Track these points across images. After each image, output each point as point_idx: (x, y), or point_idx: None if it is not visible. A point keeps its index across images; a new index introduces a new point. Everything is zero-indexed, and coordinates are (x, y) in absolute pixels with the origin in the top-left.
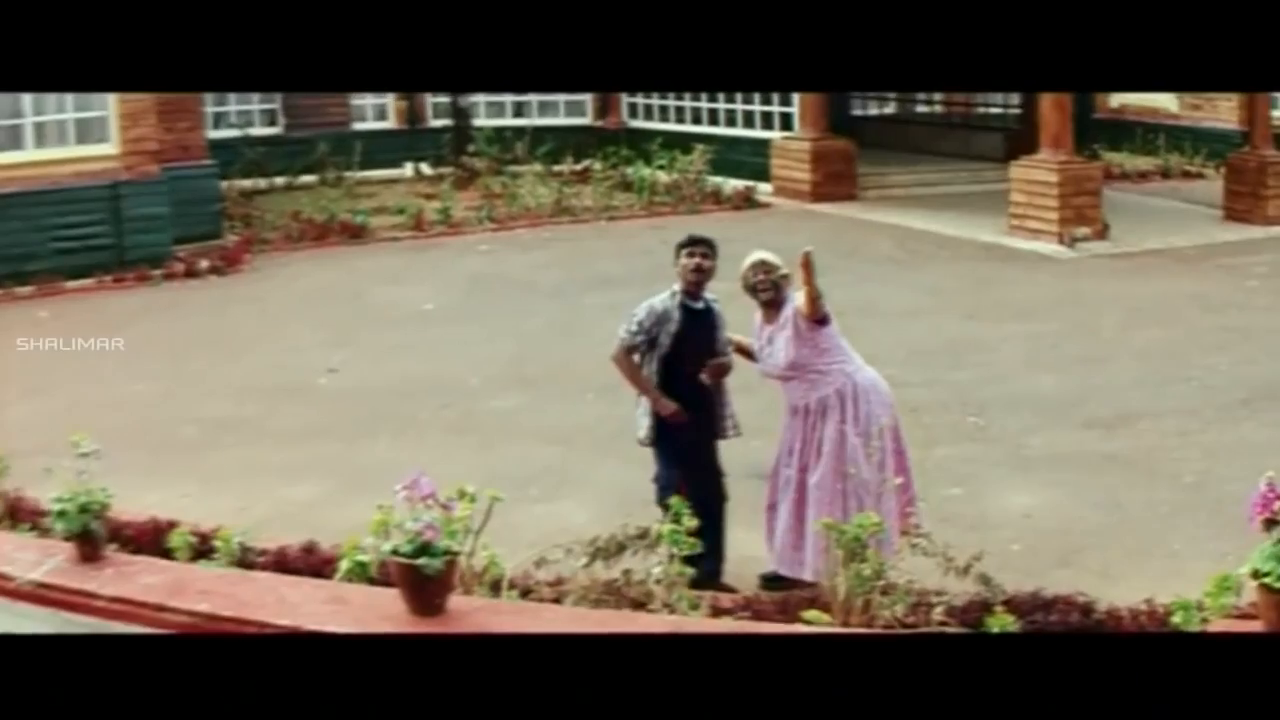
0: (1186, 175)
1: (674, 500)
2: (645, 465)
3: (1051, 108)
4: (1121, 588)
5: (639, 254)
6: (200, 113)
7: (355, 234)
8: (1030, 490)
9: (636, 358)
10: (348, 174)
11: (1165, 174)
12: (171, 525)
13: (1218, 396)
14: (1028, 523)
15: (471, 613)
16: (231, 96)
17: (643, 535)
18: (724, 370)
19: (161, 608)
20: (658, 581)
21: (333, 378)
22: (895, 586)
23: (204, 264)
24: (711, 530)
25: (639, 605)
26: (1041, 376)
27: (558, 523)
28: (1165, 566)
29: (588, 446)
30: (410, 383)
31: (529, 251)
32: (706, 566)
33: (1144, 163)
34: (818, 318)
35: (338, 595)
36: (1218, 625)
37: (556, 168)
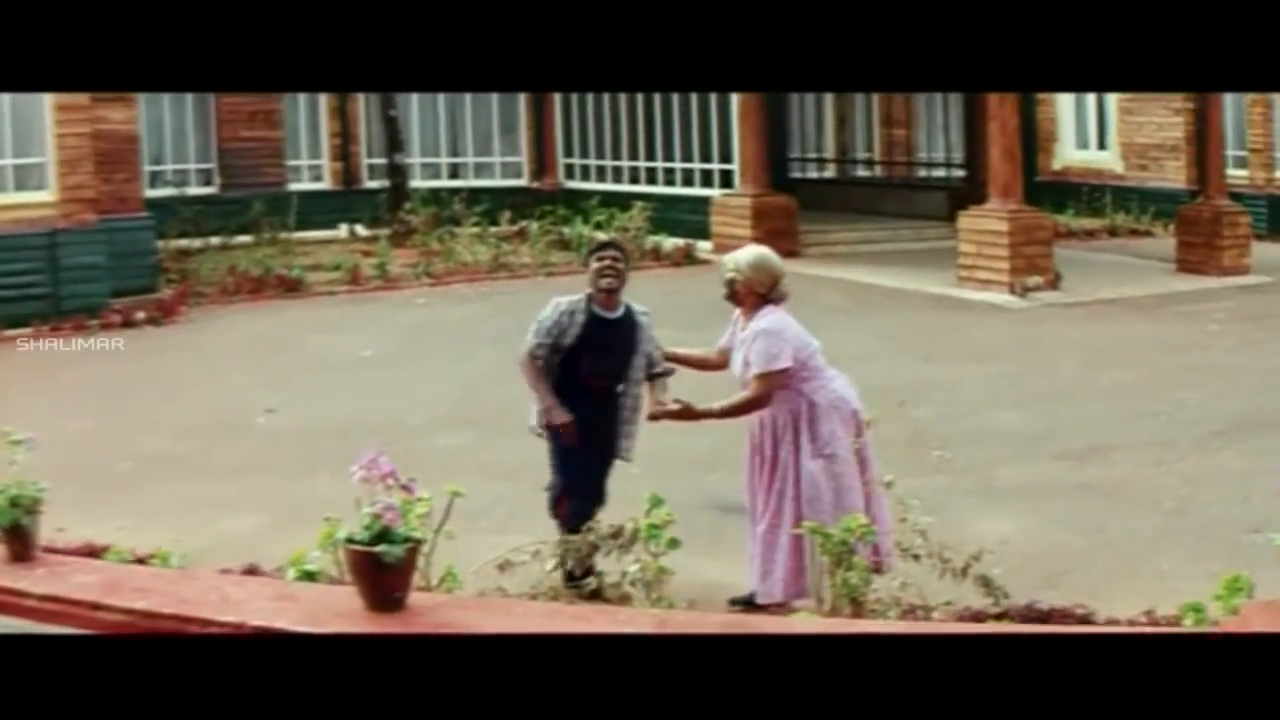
0: (1134, 233)
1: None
2: None
3: (1001, 157)
4: (1114, 606)
5: None
6: (138, 165)
7: (291, 288)
8: (1005, 517)
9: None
10: (283, 234)
11: (1112, 232)
12: (106, 549)
13: (1191, 429)
14: (1007, 547)
15: (434, 608)
16: (168, 155)
17: (616, 534)
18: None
19: (96, 605)
20: (633, 583)
21: (271, 417)
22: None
23: (140, 315)
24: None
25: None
26: (1005, 413)
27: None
28: (1156, 586)
29: (535, 481)
30: (350, 422)
31: (468, 304)
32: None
33: (1090, 223)
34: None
35: (286, 593)
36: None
37: (493, 228)
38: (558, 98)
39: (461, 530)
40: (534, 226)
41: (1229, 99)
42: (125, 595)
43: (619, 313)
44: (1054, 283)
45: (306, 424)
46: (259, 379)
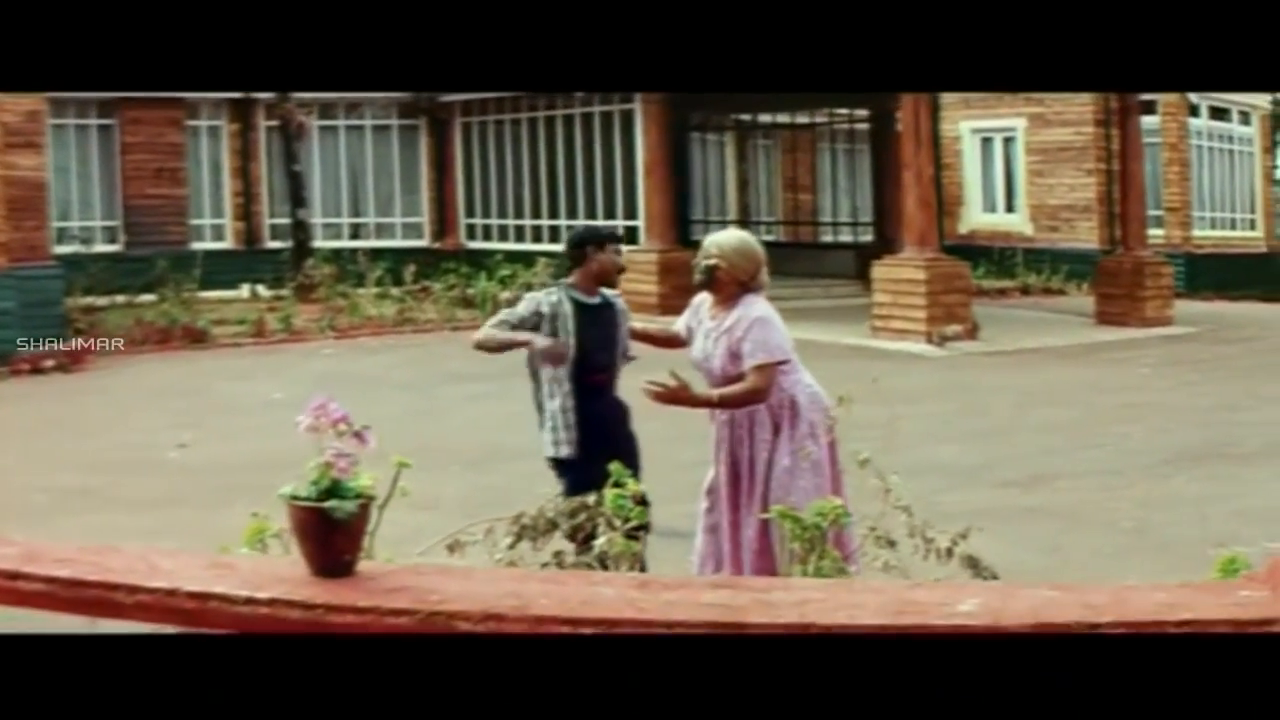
0: (1048, 292)
1: (614, 466)
2: None
3: (916, 205)
4: None
5: (488, 357)
6: (47, 213)
7: (197, 338)
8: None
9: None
10: (187, 293)
11: (1025, 291)
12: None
13: (1138, 459)
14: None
15: (387, 574)
16: (74, 212)
17: (580, 509)
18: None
19: (15, 575)
20: (601, 556)
21: (184, 453)
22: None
23: (50, 363)
24: None
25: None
26: (941, 447)
27: None
28: None
29: (458, 511)
30: (264, 457)
31: (375, 355)
32: None
33: (1002, 282)
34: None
35: (220, 562)
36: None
37: (396, 288)
38: (459, 158)
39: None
40: (437, 285)
41: (1146, 157)
42: (46, 565)
43: (598, 299)
44: (973, 332)
45: (220, 460)
46: (170, 420)
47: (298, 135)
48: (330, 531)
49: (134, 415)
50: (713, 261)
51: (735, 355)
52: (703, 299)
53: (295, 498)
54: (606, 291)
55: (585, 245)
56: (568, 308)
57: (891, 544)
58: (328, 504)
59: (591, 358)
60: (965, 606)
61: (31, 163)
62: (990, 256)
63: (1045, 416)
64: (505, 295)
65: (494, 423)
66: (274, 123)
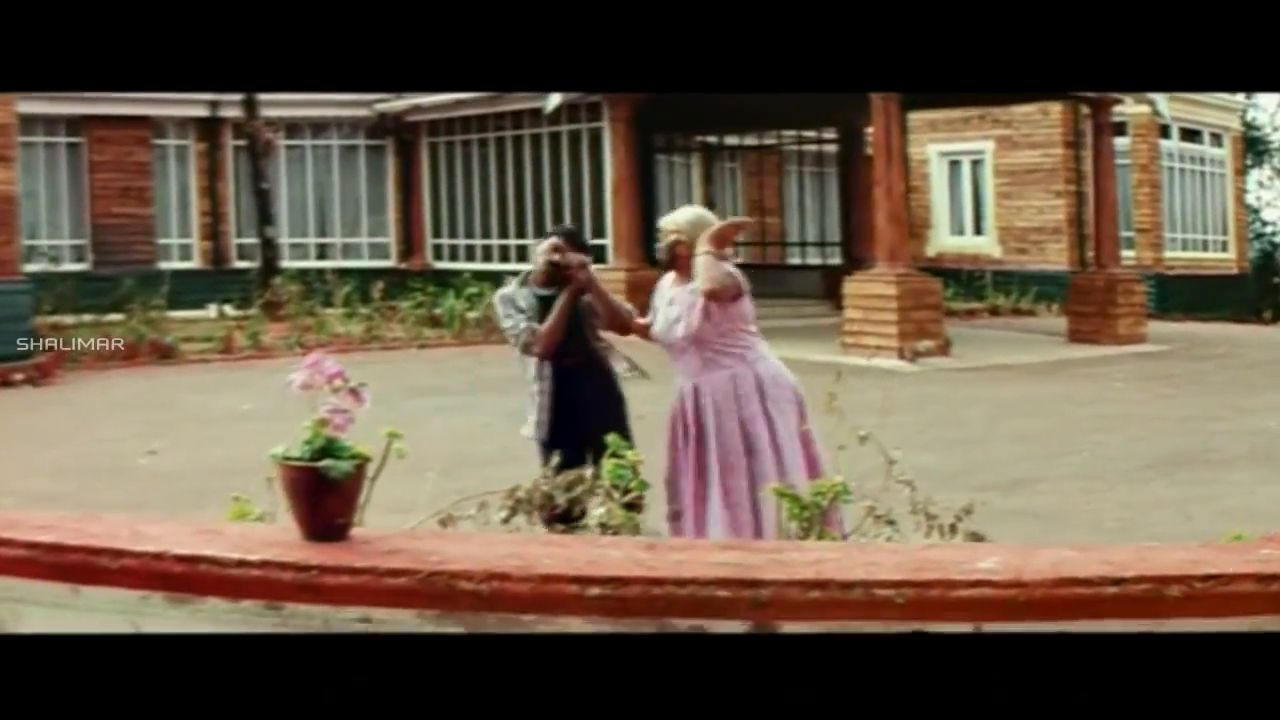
0: (1017, 313)
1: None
2: None
3: (887, 221)
4: None
5: (455, 372)
6: (16, 227)
7: (165, 354)
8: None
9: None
10: (155, 313)
11: (994, 312)
12: None
13: (1117, 465)
14: None
15: (383, 538)
16: (43, 230)
17: (577, 482)
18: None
19: None
20: (601, 526)
21: (153, 459)
22: None
23: (19, 376)
24: None
25: None
26: (917, 455)
27: None
28: None
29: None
30: (234, 464)
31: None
32: None
33: (970, 304)
34: (721, 297)
35: (207, 529)
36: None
37: (363, 308)
38: (426, 179)
39: None
40: (405, 304)
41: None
42: (26, 531)
43: (554, 290)
44: (945, 349)
45: (189, 466)
46: (138, 429)
47: (264, 153)
48: (324, 493)
49: (103, 425)
50: (673, 238)
51: (705, 307)
52: (664, 282)
53: (288, 458)
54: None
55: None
56: (531, 299)
57: (891, 523)
58: (322, 463)
59: (565, 343)
60: (985, 564)
61: (1, 176)
62: (958, 279)
63: (1020, 426)
64: (473, 315)
65: (463, 433)
66: (241, 142)
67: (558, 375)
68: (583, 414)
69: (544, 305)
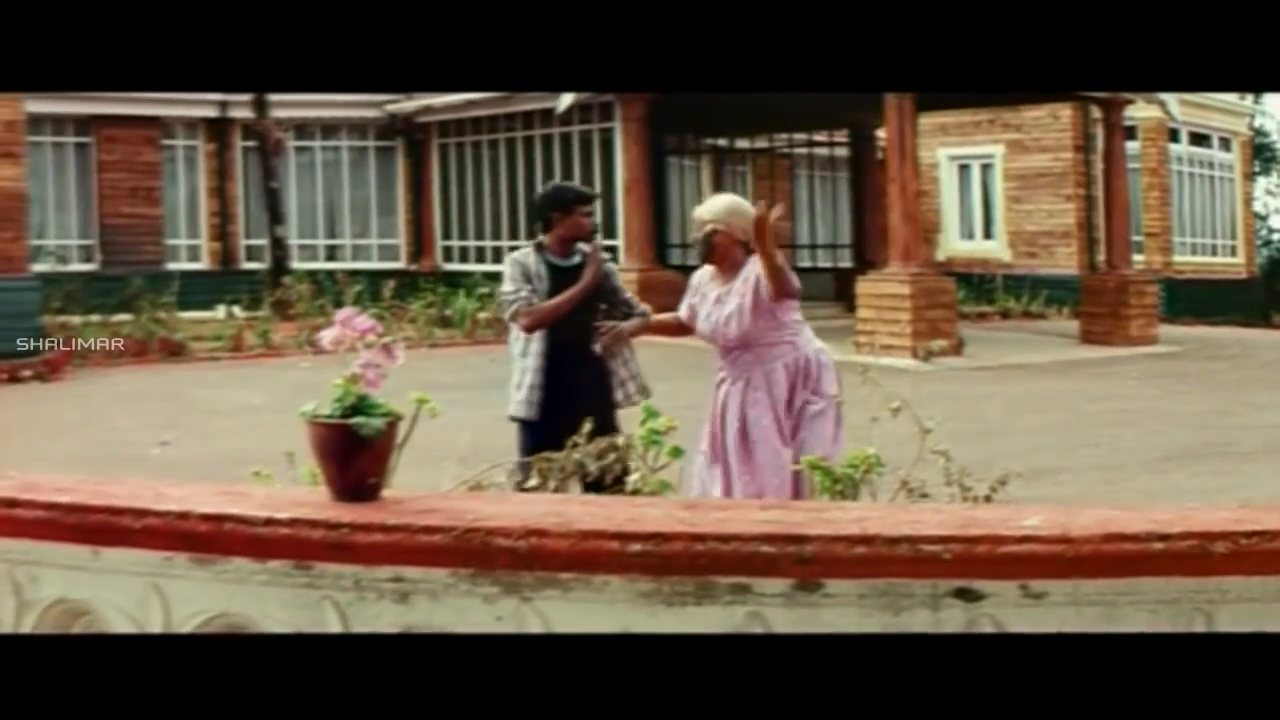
0: (1028, 315)
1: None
2: None
3: (901, 219)
4: None
5: (467, 369)
6: (24, 224)
7: (174, 351)
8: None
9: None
10: (163, 313)
11: (1006, 315)
12: None
13: (1136, 456)
14: None
15: (415, 498)
16: (51, 230)
17: (609, 450)
18: (620, 336)
19: (14, 503)
20: (635, 493)
21: (165, 450)
22: None
23: (27, 372)
24: None
25: None
26: (936, 446)
27: None
28: None
29: None
30: (247, 454)
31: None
32: None
33: (981, 307)
34: (785, 293)
35: (233, 490)
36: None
37: (373, 307)
38: (436, 180)
39: None
40: (414, 305)
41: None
42: (45, 493)
43: (574, 260)
44: (958, 348)
45: (201, 456)
46: (149, 422)
47: (275, 152)
48: (355, 452)
49: (113, 417)
50: (710, 228)
51: (756, 303)
52: (701, 276)
53: (318, 416)
54: (584, 247)
55: (551, 211)
56: (543, 269)
57: (925, 495)
58: (353, 420)
59: (566, 320)
60: (1031, 521)
61: (9, 173)
62: (969, 283)
63: (1037, 421)
64: (484, 315)
65: (476, 425)
66: (250, 143)
67: (552, 352)
68: (576, 395)
69: (555, 276)
